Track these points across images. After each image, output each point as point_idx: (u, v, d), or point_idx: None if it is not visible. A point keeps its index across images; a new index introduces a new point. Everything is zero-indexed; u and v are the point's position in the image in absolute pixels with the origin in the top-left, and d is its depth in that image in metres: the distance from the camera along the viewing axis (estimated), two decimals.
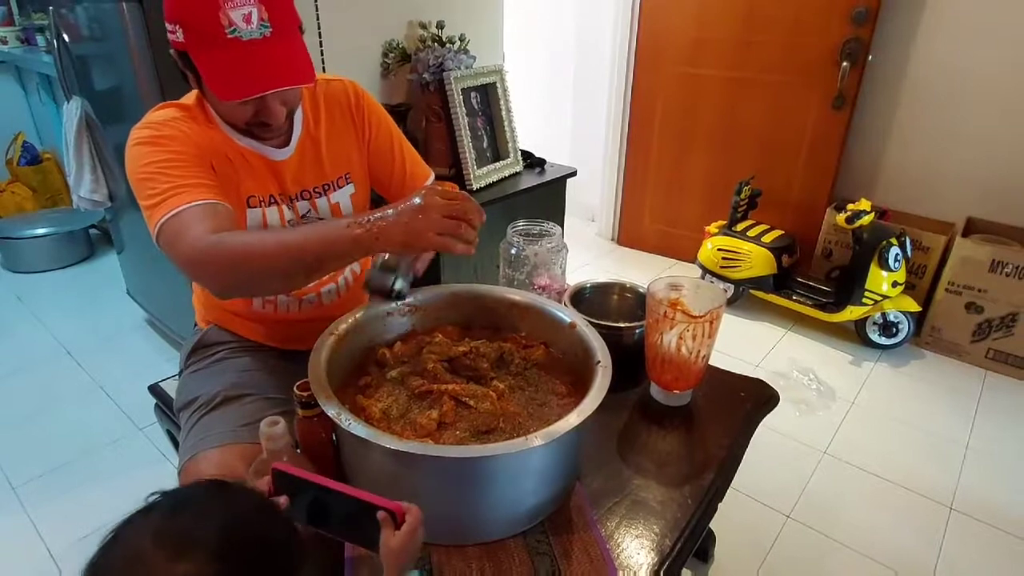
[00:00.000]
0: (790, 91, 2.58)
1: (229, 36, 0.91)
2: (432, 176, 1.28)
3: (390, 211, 0.84)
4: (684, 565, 0.85)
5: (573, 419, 0.79)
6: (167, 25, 0.94)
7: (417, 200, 0.83)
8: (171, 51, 0.97)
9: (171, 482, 1.62)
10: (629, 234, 3.37)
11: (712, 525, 1.02)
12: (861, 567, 1.51)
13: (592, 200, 3.47)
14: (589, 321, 1.04)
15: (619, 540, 0.85)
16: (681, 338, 1.04)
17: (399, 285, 0.92)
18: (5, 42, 3.18)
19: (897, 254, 2.23)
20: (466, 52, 2.14)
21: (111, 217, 2.40)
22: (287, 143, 1.10)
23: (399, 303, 0.98)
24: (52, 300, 2.73)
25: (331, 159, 1.15)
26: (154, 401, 1.47)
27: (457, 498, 0.81)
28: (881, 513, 1.67)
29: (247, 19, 0.91)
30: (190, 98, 1.06)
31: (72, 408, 2.04)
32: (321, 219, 1.16)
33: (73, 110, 2.02)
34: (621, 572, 0.80)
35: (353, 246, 0.84)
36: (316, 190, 1.14)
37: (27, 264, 2.96)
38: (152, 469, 1.75)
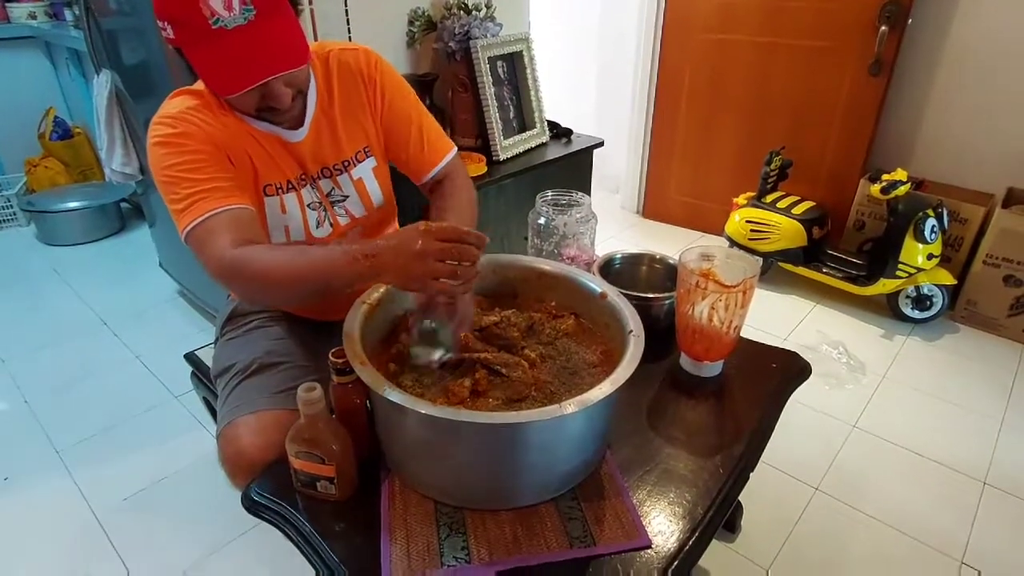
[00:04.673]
0: (824, 56, 2.50)
1: (214, 27, 0.89)
2: (454, 150, 1.24)
3: (391, 244, 0.84)
4: (715, 534, 0.86)
5: (607, 387, 0.79)
6: (158, 23, 0.93)
7: (417, 244, 0.82)
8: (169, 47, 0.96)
9: (206, 447, 1.67)
10: (654, 206, 3.33)
11: (740, 496, 1.02)
12: (890, 540, 1.50)
13: (616, 171, 3.42)
14: (620, 292, 1.03)
15: (650, 507, 0.86)
16: (713, 308, 1.03)
17: (445, 358, 0.92)
18: (34, 17, 3.21)
19: (933, 226, 2.17)
20: (492, 20, 2.10)
21: (142, 191, 2.43)
22: (301, 123, 1.08)
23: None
24: (87, 272, 2.80)
25: (348, 134, 1.13)
26: (190, 369, 1.50)
27: (491, 464, 0.82)
28: (912, 487, 1.65)
29: (227, 5, 0.88)
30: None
31: (110, 377, 2.10)
32: (346, 196, 1.16)
33: (103, 83, 2.04)
34: (652, 539, 0.81)
35: (356, 278, 0.87)
36: (336, 167, 1.13)
37: (61, 237, 3.03)
38: (188, 435, 1.79)
